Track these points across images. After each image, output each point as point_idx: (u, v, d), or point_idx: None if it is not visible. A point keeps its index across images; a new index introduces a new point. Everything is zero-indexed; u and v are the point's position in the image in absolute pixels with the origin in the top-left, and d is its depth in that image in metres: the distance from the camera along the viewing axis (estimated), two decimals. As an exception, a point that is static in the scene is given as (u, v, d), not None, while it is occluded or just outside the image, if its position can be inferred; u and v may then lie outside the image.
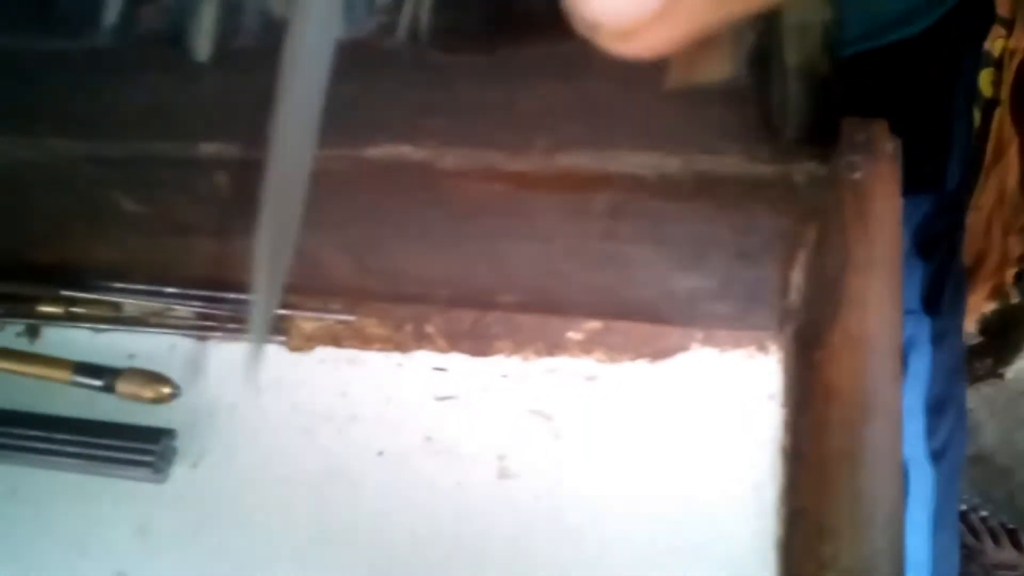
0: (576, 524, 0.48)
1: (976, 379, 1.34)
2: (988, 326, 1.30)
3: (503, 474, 0.49)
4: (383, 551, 0.49)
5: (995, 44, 1.13)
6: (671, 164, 0.36)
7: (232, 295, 0.53)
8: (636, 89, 0.32)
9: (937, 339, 0.74)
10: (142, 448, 0.50)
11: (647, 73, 0.32)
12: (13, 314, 0.55)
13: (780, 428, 0.48)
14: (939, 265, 0.80)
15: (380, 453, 0.50)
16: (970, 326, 1.29)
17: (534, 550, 0.48)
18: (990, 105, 1.13)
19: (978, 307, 1.27)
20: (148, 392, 0.51)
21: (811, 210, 0.37)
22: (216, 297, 0.53)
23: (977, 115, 1.09)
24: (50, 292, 0.53)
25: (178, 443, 0.51)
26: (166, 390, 0.51)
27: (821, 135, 0.35)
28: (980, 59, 1.03)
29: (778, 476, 0.48)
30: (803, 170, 0.35)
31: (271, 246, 0.26)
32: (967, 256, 1.15)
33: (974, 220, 1.16)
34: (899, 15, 0.72)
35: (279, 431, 0.51)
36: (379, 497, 0.49)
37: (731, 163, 0.35)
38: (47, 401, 0.53)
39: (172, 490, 0.51)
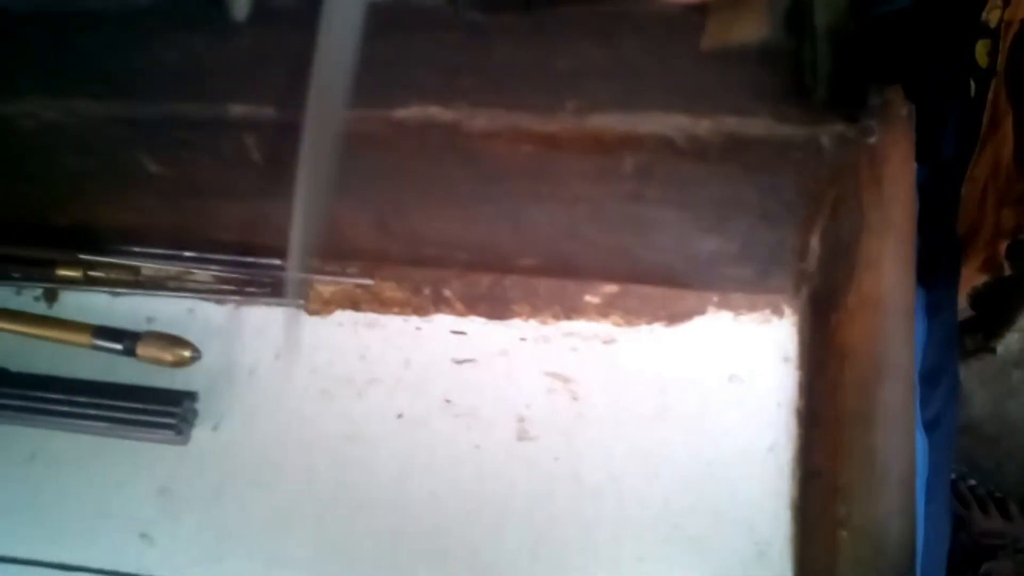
0: (594, 484, 0.49)
1: (967, 354, 1.35)
2: (979, 299, 1.30)
3: (522, 436, 0.50)
4: (403, 513, 0.49)
5: (992, 15, 1.13)
6: (701, 126, 0.36)
7: (251, 259, 0.53)
8: (671, 50, 0.32)
9: (931, 310, 0.74)
10: (164, 410, 0.50)
11: (682, 34, 0.32)
12: (31, 278, 0.55)
13: (795, 390, 0.49)
14: (934, 236, 0.81)
15: (399, 416, 0.51)
16: (961, 300, 1.30)
17: (553, 510, 0.49)
18: (986, 76, 1.13)
19: (970, 279, 1.28)
20: (168, 356, 0.51)
21: (835, 172, 0.38)
22: (235, 261, 0.53)
23: (973, 86, 1.10)
24: (68, 256, 0.53)
25: (199, 406, 0.51)
26: (186, 353, 0.51)
27: (849, 98, 0.35)
28: (976, 29, 1.04)
29: (793, 437, 0.48)
30: (830, 132, 0.36)
31: (307, 205, 0.26)
32: (960, 227, 1.15)
33: (969, 191, 1.16)
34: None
35: (299, 394, 0.52)
36: (399, 459, 0.50)
37: (760, 125, 0.36)
38: (67, 365, 0.53)
39: (193, 452, 0.51)
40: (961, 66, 0.92)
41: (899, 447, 0.46)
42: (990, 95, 1.12)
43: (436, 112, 0.37)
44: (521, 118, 0.37)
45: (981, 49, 1.14)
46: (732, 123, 0.36)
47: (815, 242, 0.45)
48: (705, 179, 0.39)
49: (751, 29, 0.32)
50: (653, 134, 0.37)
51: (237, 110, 0.38)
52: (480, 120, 0.37)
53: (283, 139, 0.40)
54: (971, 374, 1.34)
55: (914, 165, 0.51)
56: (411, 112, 0.37)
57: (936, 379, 0.87)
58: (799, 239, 0.44)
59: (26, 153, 0.44)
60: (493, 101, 0.36)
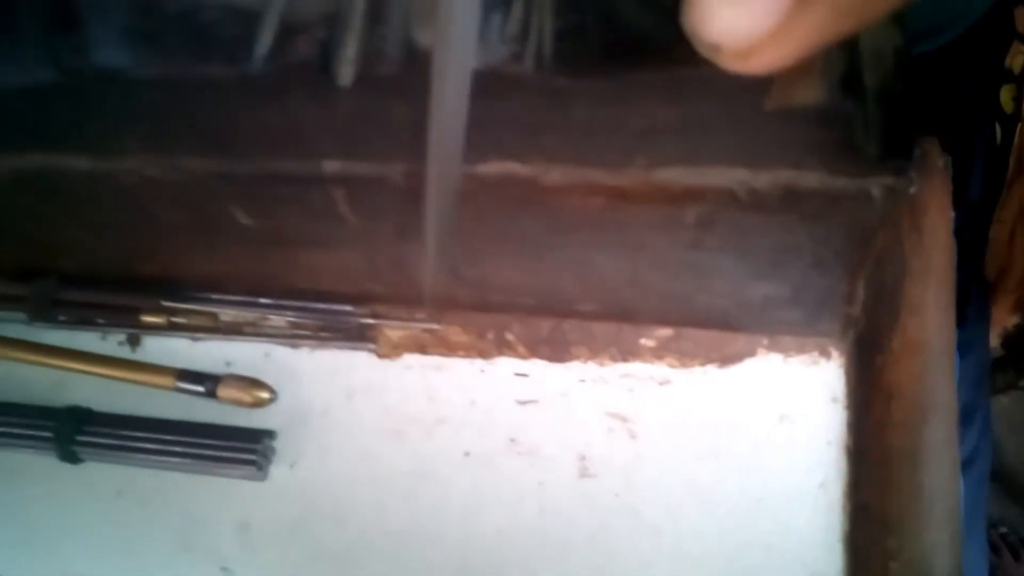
0: (653, 520, 0.51)
1: (997, 391, 1.36)
2: (1010, 340, 1.32)
3: (583, 473, 0.52)
4: (470, 547, 0.52)
5: (1015, 60, 1.17)
6: (760, 179, 0.39)
7: (325, 305, 0.56)
8: (735, 109, 0.36)
9: (963, 348, 0.77)
10: (245, 448, 0.53)
11: (747, 94, 0.35)
12: (115, 324, 0.58)
13: (844, 429, 0.51)
14: (964, 276, 0.84)
15: (467, 454, 0.53)
16: (993, 340, 1.31)
17: (614, 545, 0.51)
18: (1011, 121, 1.16)
19: (1001, 321, 1.30)
20: (247, 397, 0.54)
21: (883, 222, 0.41)
22: (310, 307, 0.56)
23: (999, 130, 1.12)
24: (152, 303, 0.57)
25: (277, 444, 0.54)
26: (264, 395, 0.54)
27: (897, 152, 0.38)
28: (1001, 75, 1.07)
29: (843, 474, 0.51)
30: (880, 184, 0.38)
31: (435, 243, 0.29)
32: (990, 270, 1.17)
33: (997, 234, 1.18)
34: (918, 31, 0.75)
35: (371, 433, 0.55)
36: (466, 496, 0.53)
37: (815, 178, 0.39)
38: (150, 406, 0.56)
39: (272, 489, 0.54)
40: (987, 111, 0.95)
41: (944, 483, 0.48)
42: (1016, 139, 1.15)
43: (514, 167, 0.40)
44: (593, 173, 0.40)
45: (1006, 94, 1.17)
46: (789, 176, 0.39)
47: (861, 288, 0.48)
48: (762, 228, 0.42)
49: (810, 91, 0.35)
50: (715, 187, 0.40)
51: (331, 166, 0.42)
52: (555, 175, 0.40)
53: (369, 192, 0.44)
54: (999, 419, 1.35)
55: (951, 214, 0.54)
56: (491, 167, 0.40)
57: (969, 418, 0.89)
58: (847, 285, 0.47)
59: (122, 207, 0.48)
60: (568, 157, 0.39)
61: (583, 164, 0.40)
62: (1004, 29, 0.93)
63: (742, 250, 0.44)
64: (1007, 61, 1.11)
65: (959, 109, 0.88)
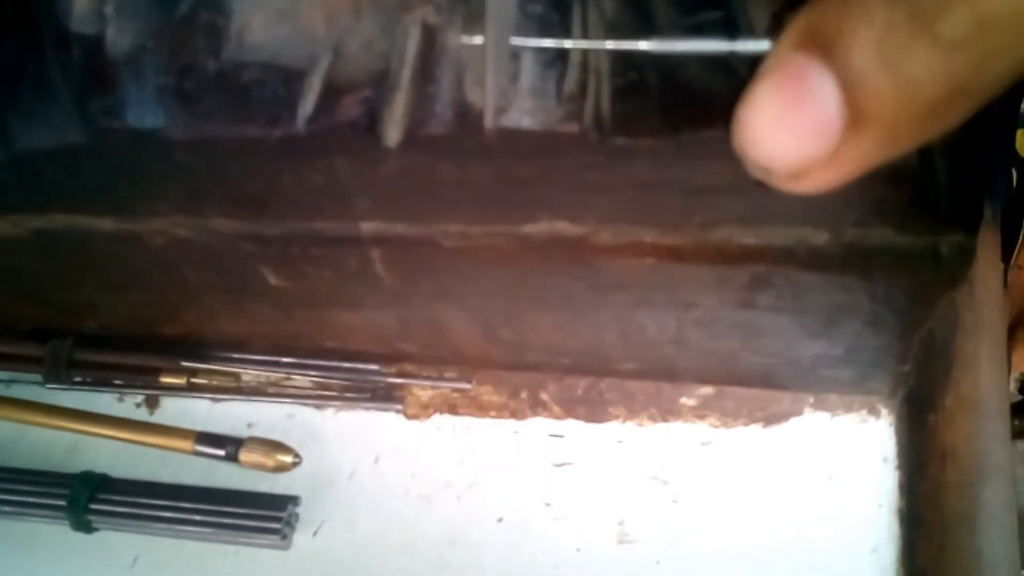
0: (697, 588, 0.49)
1: (1016, 435, 1.35)
2: (1029, 385, 1.31)
3: (622, 539, 0.50)
4: (506, 617, 0.50)
5: (1031, 107, 1.16)
6: (821, 237, 0.38)
7: (350, 364, 0.54)
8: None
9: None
10: (269, 515, 0.51)
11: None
12: (133, 385, 0.56)
13: (895, 490, 0.49)
14: (1006, 331, 0.83)
15: (500, 519, 0.51)
16: (1011, 386, 1.30)
17: (656, 614, 0.49)
18: (1028, 165, 1.15)
19: (1019, 366, 1.29)
20: (270, 461, 0.52)
21: (952, 280, 0.39)
22: (335, 367, 0.54)
23: (1015, 175, 1.12)
24: (172, 363, 0.55)
25: (300, 510, 0.52)
26: (288, 459, 0.52)
27: (967, 208, 0.36)
28: (1017, 119, 1.06)
29: (896, 538, 0.49)
30: (949, 241, 0.37)
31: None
32: (1009, 315, 1.16)
33: (1015, 280, 1.17)
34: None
35: (399, 498, 0.52)
36: (501, 563, 0.50)
37: (879, 235, 0.37)
38: (168, 470, 0.54)
39: (295, 557, 0.52)
40: (1002, 154, 0.94)
41: (1003, 547, 0.47)
42: (1032, 184, 1.14)
43: (563, 227, 0.39)
44: (646, 232, 0.38)
45: (1021, 139, 1.17)
46: (853, 234, 0.37)
47: (916, 346, 0.46)
48: (821, 287, 0.40)
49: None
50: (774, 245, 0.38)
51: (369, 227, 0.40)
52: (605, 235, 0.39)
53: (407, 253, 0.42)
54: (1018, 463, 1.33)
55: (1002, 266, 0.52)
56: (539, 227, 0.39)
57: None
58: (903, 344, 0.45)
59: (147, 268, 0.46)
60: (621, 216, 0.38)
61: (636, 223, 0.38)
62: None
63: (797, 309, 0.42)
64: (1022, 107, 1.10)
65: (973, 153, 0.87)
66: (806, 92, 0.21)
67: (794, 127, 0.21)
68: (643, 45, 0.28)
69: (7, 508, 0.53)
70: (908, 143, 0.22)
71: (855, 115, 0.21)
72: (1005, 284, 0.98)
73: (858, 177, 0.23)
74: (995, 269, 0.51)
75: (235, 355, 0.55)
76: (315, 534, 0.52)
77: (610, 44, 0.32)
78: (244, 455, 0.52)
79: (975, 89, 0.20)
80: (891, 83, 0.20)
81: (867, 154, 0.22)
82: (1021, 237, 1.18)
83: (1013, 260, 1.19)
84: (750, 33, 0.30)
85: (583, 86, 0.33)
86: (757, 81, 0.22)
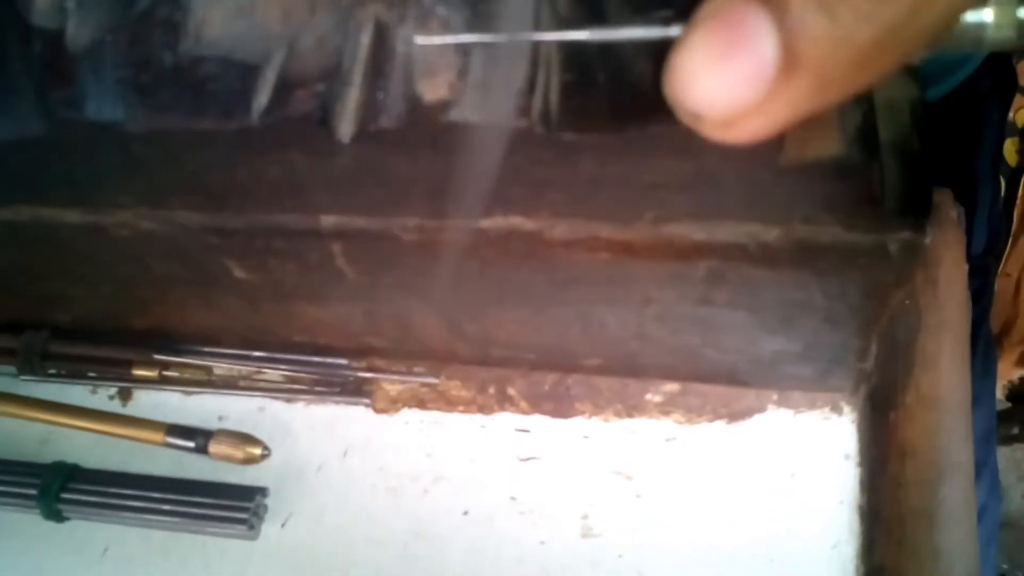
0: (659, 582, 0.50)
1: (1003, 442, 1.36)
2: (1016, 392, 1.32)
3: (586, 533, 0.51)
4: (470, 609, 0.50)
5: (1019, 115, 1.17)
6: (771, 233, 0.38)
7: (320, 359, 0.55)
8: (750, 164, 0.35)
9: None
10: (237, 506, 0.51)
11: (762, 150, 0.34)
12: (106, 377, 0.57)
13: (856, 487, 0.50)
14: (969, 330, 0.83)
15: (465, 513, 0.52)
16: (998, 393, 1.31)
17: (618, 608, 0.49)
18: (1016, 174, 1.16)
19: (1007, 374, 1.29)
20: (239, 453, 0.53)
21: (900, 277, 0.39)
22: (304, 360, 0.55)
23: (1003, 183, 1.13)
24: (145, 356, 0.55)
25: (269, 501, 0.53)
26: (257, 451, 0.53)
27: (915, 206, 0.37)
28: (1004, 127, 1.07)
29: (856, 534, 0.49)
30: (897, 239, 0.37)
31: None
32: (995, 323, 1.17)
33: (1002, 287, 1.18)
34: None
35: (366, 491, 0.53)
36: (466, 556, 0.51)
37: (829, 232, 0.38)
38: (138, 462, 0.55)
39: (262, 548, 0.52)
40: (990, 164, 0.95)
41: (962, 544, 0.47)
42: (1020, 192, 1.15)
43: (519, 222, 0.39)
44: (600, 227, 0.39)
45: (1010, 147, 1.18)
46: (802, 231, 0.38)
47: (874, 343, 0.47)
48: (774, 284, 0.41)
49: (825, 146, 0.34)
50: (726, 242, 0.39)
51: (329, 220, 0.40)
52: (561, 229, 0.39)
53: (368, 247, 0.42)
54: (1008, 468, 1.34)
55: (966, 267, 0.53)
56: (495, 222, 0.39)
57: (978, 473, 0.87)
58: (861, 340, 0.45)
59: (114, 260, 0.47)
60: (575, 212, 0.38)
61: (590, 218, 0.39)
62: (1007, 83, 0.93)
63: (753, 306, 0.43)
64: (1010, 115, 1.11)
65: (960, 159, 0.88)
66: (742, 35, 0.21)
67: (728, 72, 0.22)
68: (581, 35, 0.28)
69: (-22, 497, 0.53)
70: (840, 90, 0.22)
71: (790, 59, 0.21)
72: (988, 291, 0.99)
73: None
74: (959, 269, 0.51)
75: (207, 348, 0.55)
76: (283, 526, 0.53)
77: (550, 36, 0.32)
78: (214, 447, 0.53)
79: (907, 36, 0.21)
80: (827, 27, 0.20)
81: (799, 100, 0.22)
82: (1008, 246, 1.18)
83: (1001, 268, 1.19)
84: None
85: (532, 82, 0.34)
86: (692, 26, 0.22)
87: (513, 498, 0.52)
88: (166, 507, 0.52)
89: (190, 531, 0.52)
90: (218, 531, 0.51)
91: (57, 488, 0.52)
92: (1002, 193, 1.13)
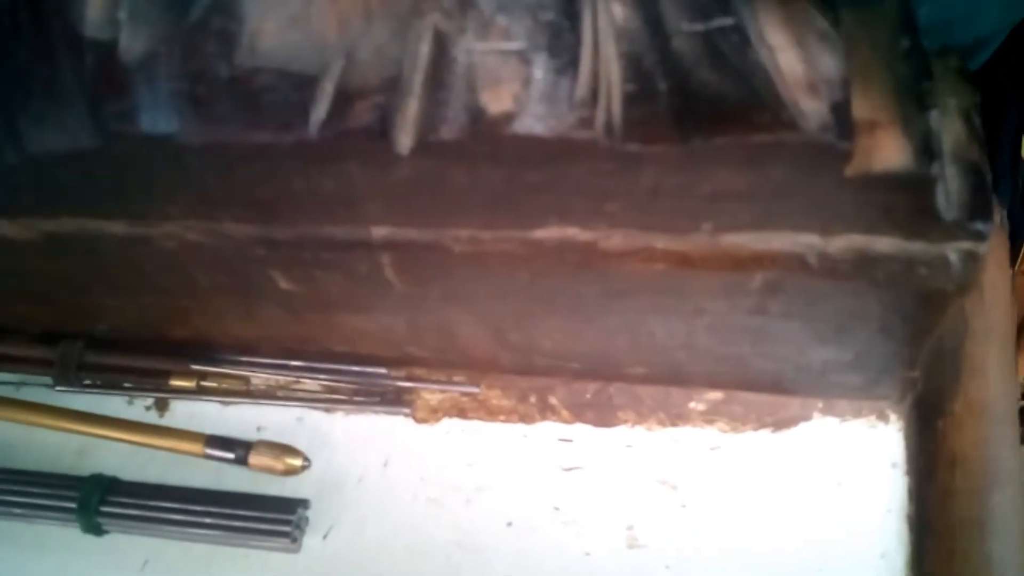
0: (706, 593, 0.49)
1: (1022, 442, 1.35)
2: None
3: (632, 543, 0.50)
4: (514, 621, 0.49)
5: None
6: (831, 244, 0.38)
7: (360, 368, 0.54)
8: (810, 174, 0.34)
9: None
10: (279, 518, 0.50)
11: (826, 161, 0.34)
12: (142, 388, 0.56)
13: (904, 496, 0.49)
14: (1015, 335, 0.83)
15: (509, 524, 0.51)
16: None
17: (665, 619, 0.49)
18: (1033, 170, 1.15)
19: (1021, 373, 1.28)
20: (279, 465, 0.52)
21: (960, 286, 0.39)
22: (343, 370, 0.54)
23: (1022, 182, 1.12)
24: (182, 366, 0.55)
25: (310, 513, 0.52)
26: (297, 462, 0.52)
27: (976, 216, 0.36)
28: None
29: (905, 544, 0.49)
30: (958, 249, 0.37)
31: None
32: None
33: (1020, 285, 1.17)
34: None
35: (407, 502, 0.52)
36: (509, 568, 0.50)
37: (889, 243, 0.37)
38: (176, 474, 0.54)
39: (304, 561, 0.52)
40: (1009, 162, 0.93)
41: (1013, 553, 0.46)
42: (1038, 189, 1.14)
43: (574, 232, 0.39)
44: (656, 238, 0.38)
45: (1027, 145, 1.16)
46: (863, 241, 0.37)
47: (925, 351, 0.46)
48: (831, 294, 0.40)
49: (893, 157, 0.33)
50: (785, 252, 0.38)
51: (380, 232, 0.40)
52: (616, 240, 0.39)
53: (417, 258, 0.42)
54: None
55: (1010, 271, 0.52)
56: (549, 232, 0.39)
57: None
58: (913, 349, 0.45)
59: (157, 271, 0.46)
60: (632, 222, 0.38)
61: (646, 229, 0.38)
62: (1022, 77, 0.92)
63: (808, 316, 0.42)
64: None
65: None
66: None
67: None
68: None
69: (17, 510, 0.53)
70: None
71: None
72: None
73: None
74: (1003, 273, 0.51)
75: (245, 358, 0.55)
76: (324, 537, 0.52)
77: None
78: (254, 458, 0.52)
79: None
80: None
81: None
82: (1024, 245, 1.17)
83: (1017, 266, 1.18)
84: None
85: (594, 92, 0.34)
86: None
87: (557, 508, 0.51)
88: (208, 520, 0.51)
89: (232, 544, 0.51)
90: (261, 544, 0.51)
91: (96, 501, 0.52)
92: (1020, 190, 1.12)
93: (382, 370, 0.54)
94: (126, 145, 0.36)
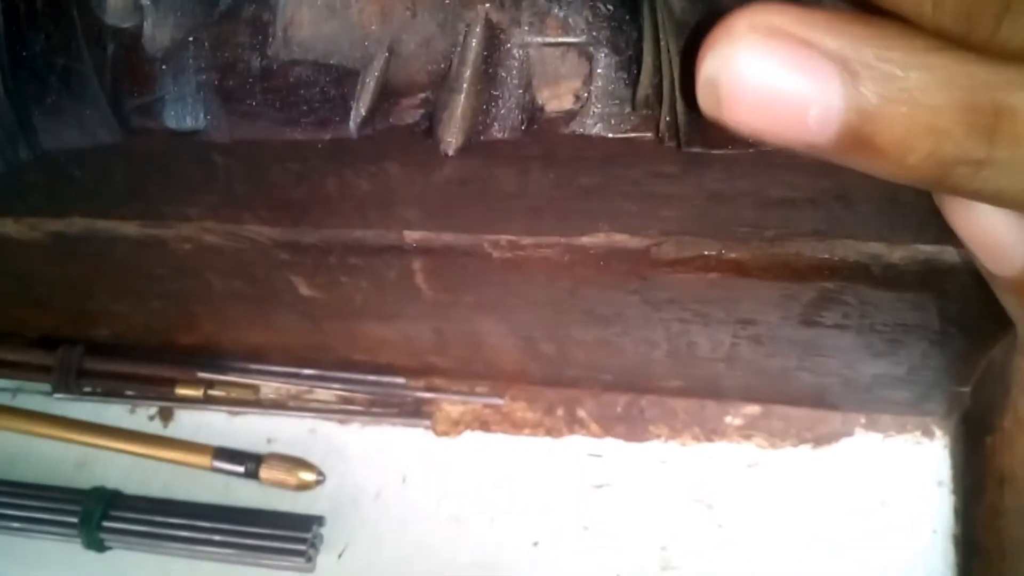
0: (743, 617, 0.47)
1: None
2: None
3: (665, 565, 0.48)
4: (541, 646, 0.47)
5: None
6: (896, 253, 0.35)
7: (376, 377, 0.52)
8: (880, 180, 0.32)
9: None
10: (293, 536, 0.48)
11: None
12: (146, 396, 0.53)
13: (951, 516, 0.47)
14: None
15: (535, 543, 0.49)
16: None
17: (700, 644, 0.47)
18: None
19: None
20: (292, 479, 0.50)
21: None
22: (358, 379, 0.52)
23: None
24: (188, 374, 0.52)
25: (324, 531, 0.50)
26: (310, 477, 0.50)
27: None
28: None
29: (951, 566, 0.47)
30: (1031, 260, 0.35)
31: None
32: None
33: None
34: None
35: (427, 520, 0.50)
36: (536, 589, 0.48)
37: (957, 252, 0.35)
38: (182, 487, 0.52)
39: (319, 581, 0.49)
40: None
41: (1066, 577, 0.45)
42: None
43: (623, 239, 0.36)
44: (712, 245, 0.36)
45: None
46: (928, 251, 0.35)
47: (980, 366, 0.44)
48: (891, 305, 0.38)
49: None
50: (848, 261, 0.36)
51: (413, 236, 0.38)
52: (668, 248, 0.36)
53: (453, 263, 0.39)
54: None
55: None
56: (596, 239, 0.37)
57: None
58: (969, 365, 0.43)
59: (171, 274, 0.44)
60: (686, 229, 0.36)
61: (701, 235, 0.36)
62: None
63: (862, 328, 0.40)
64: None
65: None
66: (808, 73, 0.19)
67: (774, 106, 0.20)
68: None
69: (16, 524, 0.50)
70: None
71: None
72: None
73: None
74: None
75: (255, 366, 0.52)
76: (340, 556, 0.50)
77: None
78: (265, 472, 0.50)
79: None
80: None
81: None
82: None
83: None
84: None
85: (657, 90, 0.31)
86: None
87: (586, 528, 0.49)
88: (216, 537, 0.49)
89: (242, 563, 0.49)
90: (273, 563, 0.48)
91: (99, 515, 0.49)
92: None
93: (400, 380, 0.52)
94: (148, 142, 0.33)
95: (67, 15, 0.32)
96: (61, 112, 0.33)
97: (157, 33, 0.32)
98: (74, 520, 0.49)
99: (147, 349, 0.53)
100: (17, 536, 0.50)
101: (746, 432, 0.49)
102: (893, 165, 0.20)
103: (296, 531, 0.48)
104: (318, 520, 0.49)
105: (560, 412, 0.51)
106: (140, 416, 0.54)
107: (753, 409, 0.49)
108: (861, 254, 0.36)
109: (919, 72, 0.18)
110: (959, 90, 0.18)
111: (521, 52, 0.31)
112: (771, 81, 0.19)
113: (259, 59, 0.32)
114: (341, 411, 0.52)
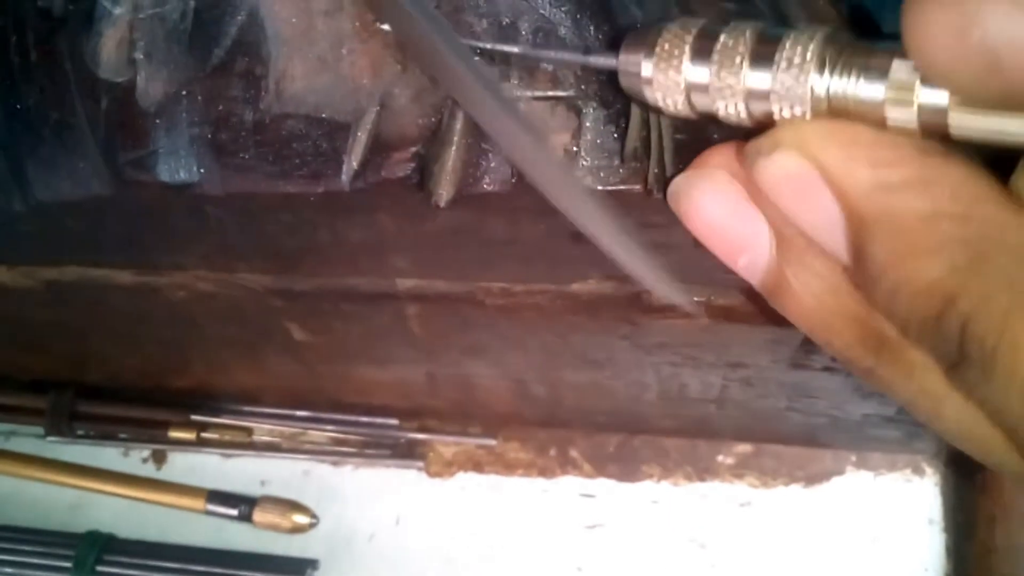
0: (738, 658, 0.47)
1: None
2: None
3: (659, 605, 0.48)
4: None
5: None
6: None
7: (369, 419, 0.52)
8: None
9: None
10: (287, 581, 0.48)
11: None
12: (139, 439, 0.54)
13: (942, 554, 0.48)
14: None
15: (529, 584, 0.49)
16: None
17: None
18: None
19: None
20: (286, 522, 0.50)
21: None
22: (352, 421, 0.52)
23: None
24: (182, 417, 0.52)
25: (318, 574, 0.50)
26: (305, 520, 0.50)
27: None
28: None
29: (944, 604, 0.47)
30: None
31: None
32: None
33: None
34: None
35: (421, 562, 0.50)
36: (530, 631, 0.48)
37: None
38: (176, 531, 0.51)
39: (313, 625, 0.49)
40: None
41: (1058, 615, 0.45)
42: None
43: (612, 287, 0.37)
44: (700, 291, 0.37)
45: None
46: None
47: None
48: (880, 349, 0.38)
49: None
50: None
51: (406, 284, 0.38)
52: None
53: (446, 310, 0.40)
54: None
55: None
56: (587, 286, 0.37)
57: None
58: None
59: (164, 321, 0.44)
60: (680, 277, 0.36)
61: (695, 283, 0.36)
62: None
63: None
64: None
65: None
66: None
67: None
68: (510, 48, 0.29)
69: (9, 569, 0.50)
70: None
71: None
72: None
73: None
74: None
75: (248, 408, 0.52)
76: (333, 599, 0.50)
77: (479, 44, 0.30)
78: (259, 515, 0.50)
79: None
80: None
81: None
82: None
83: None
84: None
85: (646, 143, 0.32)
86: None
87: (579, 568, 0.49)
88: (210, 582, 0.48)
89: (236, 608, 0.49)
90: (267, 608, 0.48)
91: (93, 560, 0.49)
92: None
93: (393, 421, 0.52)
94: (141, 194, 0.33)
95: (61, 69, 0.33)
96: (55, 164, 0.33)
97: (150, 87, 0.33)
98: (68, 565, 0.50)
99: (140, 392, 0.53)
100: (9, 581, 0.50)
101: (738, 471, 0.49)
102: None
103: (289, 574, 0.48)
104: (312, 563, 0.49)
105: (553, 452, 0.51)
106: (133, 459, 0.54)
107: (745, 448, 0.49)
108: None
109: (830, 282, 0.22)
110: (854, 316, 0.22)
111: (510, 105, 0.31)
112: (718, 220, 0.24)
113: (252, 113, 0.32)
114: (334, 453, 0.52)
